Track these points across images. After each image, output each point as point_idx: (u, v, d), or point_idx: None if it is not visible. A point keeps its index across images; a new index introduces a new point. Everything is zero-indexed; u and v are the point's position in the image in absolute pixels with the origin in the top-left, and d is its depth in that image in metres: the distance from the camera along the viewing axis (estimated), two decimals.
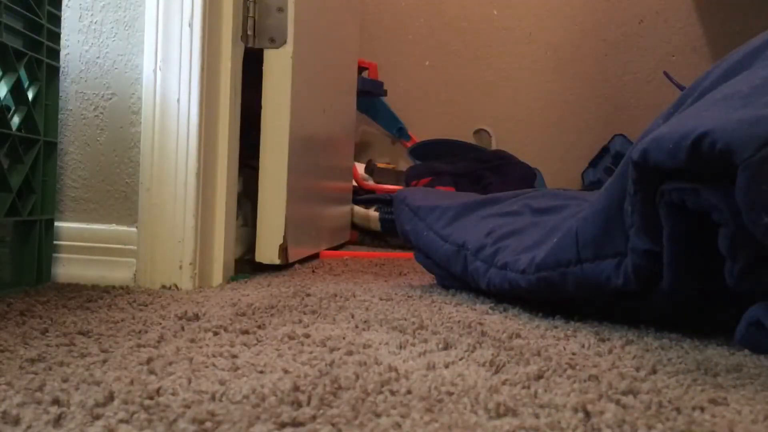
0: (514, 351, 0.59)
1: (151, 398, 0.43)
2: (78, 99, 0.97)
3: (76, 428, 0.38)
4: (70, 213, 0.97)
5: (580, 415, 0.42)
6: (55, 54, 0.91)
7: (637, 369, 0.54)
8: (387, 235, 1.75)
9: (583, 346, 0.62)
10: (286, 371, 0.50)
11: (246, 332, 0.63)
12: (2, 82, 0.81)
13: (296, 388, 0.45)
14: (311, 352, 0.56)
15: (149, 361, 0.52)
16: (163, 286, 0.92)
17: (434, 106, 2.33)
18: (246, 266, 1.14)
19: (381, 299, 0.84)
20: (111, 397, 0.43)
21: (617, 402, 0.45)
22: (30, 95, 0.86)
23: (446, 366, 0.53)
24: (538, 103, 2.31)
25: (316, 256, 1.37)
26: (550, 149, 2.30)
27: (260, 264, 1.12)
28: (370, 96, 2.10)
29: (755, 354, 0.60)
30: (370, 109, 2.20)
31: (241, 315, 0.72)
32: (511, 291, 0.79)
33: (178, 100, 0.93)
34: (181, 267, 0.92)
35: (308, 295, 0.86)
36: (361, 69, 2.04)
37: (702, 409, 0.44)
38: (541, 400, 0.45)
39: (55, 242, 0.94)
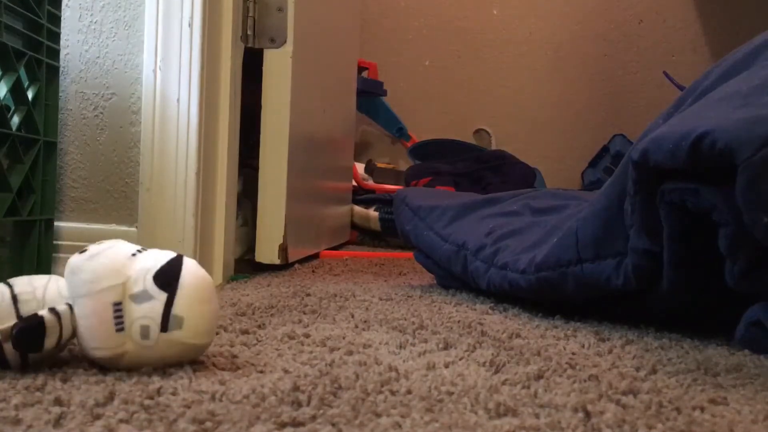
0: (514, 351, 0.59)
1: (151, 398, 0.43)
2: (78, 99, 0.97)
3: (77, 428, 0.37)
4: (70, 213, 0.97)
5: (580, 415, 0.42)
6: (55, 54, 0.91)
7: (637, 369, 0.54)
8: (387, 235, 1.75)
9: (583, 346, 0.62)
10: (286, 371, 0.50)
11: (246, 332, 0.63)
12: (2, 82, 0.81)
13: (296, 388, 0.45)
14: (311, 352, 0.56)
15: None
16: None
17: (434, 106, 2.33)
18: (246, 266, 1.14)
19: (381, 299, 0.84)
20: (111, 397, 0.43)
21: (617, 402, 0.45)
22: (30, 95, 0.86)
23: (446, 366, 0.53)
24: (538, 103, 2.31)
25: (316, 256, 1.37)
26: (550, 149, 2.30)
27: (260, 264, 1.12)
28: (370, 96, 2.10)
29: (755, 354, 0.60)
30: (370, 109, 2.19)
31: (241, 315, 0.72)
32: (511, 291, 0.79)
33: (178, 100, 0.93)
34: None
35: (308, 295, 0.86)
36: (361, 69, 2.04)
37: (702, 409, 0.44)
38: (541, 400, 0.45)
39: (55, 242, 0.94)
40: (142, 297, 0.47)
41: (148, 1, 0.94)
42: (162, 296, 0.47)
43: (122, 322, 0.47)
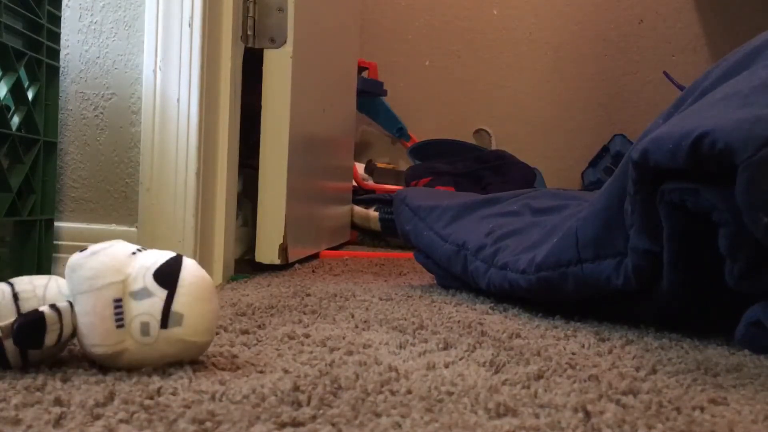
0: (514, 351, 0.59)
1: (151, 398, 0.43)
2: (78, 99, 0.97)
3: (77, 428, 0.38)
4: (70, 213, 0.97)
5: (580, 415, 0.42)
6: (55, 54, 0.91)
7: (637, 369, 0.54)
8: (387, 235, 1.75)
9: (583, 346, 0.62)
10: (286, 371, 0.50)
11: (246, 332, 0.63)
12: (2, 82, 0.81)
13: (296, 388, 0.45)
14: (311, 352, 0.56)
15: None
16: None
17: (434, 106, 2.33)
18: (246, 266, 1.14)
19: (381, 299, 0.84)
20: (111, 397, 0.43)
21: (617, 402, 0.45)
22: (30, 95, 0.86)
23: (446, 366, 0.53)
24: (538, 103, 2.31)
25: (316, 256, 1.37)
26: (550, 149, 2.30)
27: (260, 264, 1.12)
28: (370, 96, 2.10)
29: (755, 354, 0.60)
30: (370, 109, 2.19)
31: (241, 315, 0.72)
32: (511, 291, 0.79)
33: (178, 100, 0.93)
34: None
35: (308, 295, 0.86)
36: (361, 69, 2.04)
37: (702, 409, 0.44)
38: (541, 400, 0.45)
39: (55, 242, 0.94)
40: (142, 294, 0.47)
41: (148, 1, 0.94)
42: (162, 293, 0.47)
43: (122, 319, 0.47)
